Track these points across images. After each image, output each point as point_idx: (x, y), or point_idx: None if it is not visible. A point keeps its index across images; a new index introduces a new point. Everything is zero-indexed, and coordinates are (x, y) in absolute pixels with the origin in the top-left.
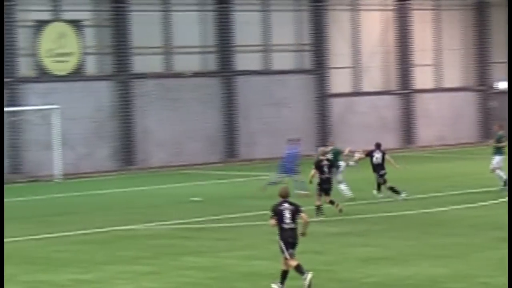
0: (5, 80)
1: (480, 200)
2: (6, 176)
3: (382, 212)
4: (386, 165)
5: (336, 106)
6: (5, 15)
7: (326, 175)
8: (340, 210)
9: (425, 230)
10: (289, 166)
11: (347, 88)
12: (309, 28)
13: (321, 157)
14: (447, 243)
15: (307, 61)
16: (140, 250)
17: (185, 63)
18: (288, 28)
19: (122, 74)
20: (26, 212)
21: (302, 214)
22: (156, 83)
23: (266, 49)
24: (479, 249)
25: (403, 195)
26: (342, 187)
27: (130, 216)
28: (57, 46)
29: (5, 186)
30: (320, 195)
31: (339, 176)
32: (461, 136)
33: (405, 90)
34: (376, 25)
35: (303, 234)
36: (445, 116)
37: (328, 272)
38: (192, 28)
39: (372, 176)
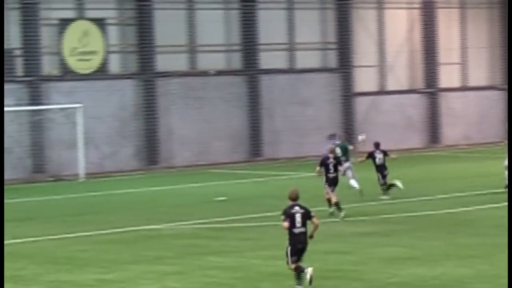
0: (29, 78)
1: (506, 200)
2: (30, 175)
3: (407, 212)
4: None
5: (361, 105)
6: (28, 14)
7: (332, 174)
8: (331, 213)
9: (451, 230)
10: None
11: (372, 87)
12: (334, 26)
13: (329, 155)
14: (472, 243)
15: (332, 60)
16: (164, 250)
17: (210, 61)
18: (313, 26)
19: (146, 73)
20: (49, 211)
21: (314, 219)
22: (180, 81)
23: (291, 47)
24: (505, 249)
25: (398, 183)
26: (352, 182)
27: (154, 216)
28: (81, 44)
29: (29, 185)
30: (333, 190)
31: (349, 173)
32: (487, 135)
33: (430, 89)
34: (401, 23)
35: (311, 237)
36: (471, 115)
37: (354, 272)
38: (216, 26)
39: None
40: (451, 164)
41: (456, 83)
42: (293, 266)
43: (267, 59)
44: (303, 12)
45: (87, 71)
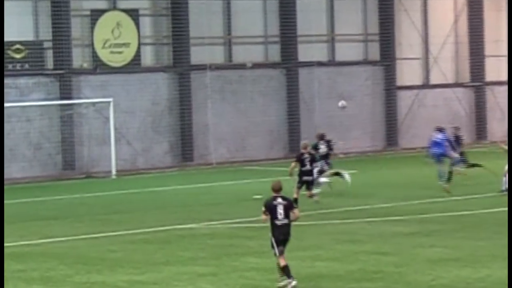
0: (59, 71)
1: None
2: (60, 172)
3: (450, 211)
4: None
5: (405, 99)
6: (59, 4)
7: (308, 168)
8: (317, 202)
9: (496, 230)
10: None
11: (416, 80)
12: (377, 17)
13: (303, 151)
14: None
15: (374, 52)
16: (198, 250)
17: (247, 54)
18: (354, 17)
19: (180, 66)
20: (80, 210)
21: (295, 210)
22: (216, 74)
23: (331, 39)
24: None
25: (346, 175)
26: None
27: (189, 215)
28: (113, 36)
29: (59, 182)
30: (299, 188)
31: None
32: None
33: (477, 82)
34: (447, 14)
35: None
36: None
37: (396, 274)
38: (254, 17)
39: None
40: (497, 161)
41: (503, 76)
42: (283, 262)
43: (306, 51)
44: (344, 2)
45: (119, 64)
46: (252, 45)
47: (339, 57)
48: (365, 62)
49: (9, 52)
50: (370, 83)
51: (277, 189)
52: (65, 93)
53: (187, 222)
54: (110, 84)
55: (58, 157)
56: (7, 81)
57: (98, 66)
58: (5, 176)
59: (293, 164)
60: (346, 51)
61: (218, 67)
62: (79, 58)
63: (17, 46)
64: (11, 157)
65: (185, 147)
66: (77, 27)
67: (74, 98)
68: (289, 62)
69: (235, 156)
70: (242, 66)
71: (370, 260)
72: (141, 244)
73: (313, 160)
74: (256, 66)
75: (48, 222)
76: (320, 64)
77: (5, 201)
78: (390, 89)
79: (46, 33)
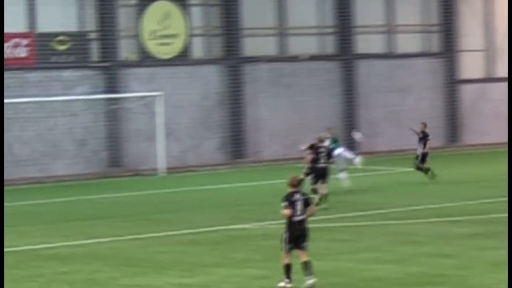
0: (105, 64)
1: None
2: (105, 169)
3: None
4: None
5: (467, 93)
6: None
7: (322, 164)
8: (317, 204)
9: None
10: None
11: (479, 73)
12: (438, 7)
13: (319, 144)
14: None
15: (435, 44)
16: (251, 252)
17: (301, 45)
18: (414, 7)
19: (231, 58)
20: (127, 209)
21: (311, 206)
22: (269, 67)
23: (390, 30)
24: None
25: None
26: (343, 176)
27: (241, 214)
28: (161, 27)
29: (104, 180)
30: (315, 182)
31: (342, 164)
32: None
33: None
34: None
35: None
36: None
37: (457, 277)
38: (308, 7)
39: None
40: None
41: None
42: (286, 261)
43: (364, 43)
44: None
45: (167, 56)
46: (306, 36)
47: (398, 49)
48: (426, 54)
49: (52, 43)
50: (430, 76)
51: (296, 184)
52: (111, 86)
53: (238, 222)
54: (158, 77)
55: (103, 153)
56: (50, 74)
57: (146, 58)
58: (48, 174)
59: (309, 157)
60: (406, 43)
61: (271, 59)
62: (125, 50)
63: (61, 37)
64: (54, 153)
65: (236, 143)
66: (123, 18)
67: (120, 92)
68: (345, 54)
69: (289, 152)
70: (296, 58)
71: (431, 263)
72: (190, 245)
73: (329, 155)
74: (311, 58)
75: (93, 222)
76: (378, 56)
77: (48, 200)
78: (452, 82)
79: (91, 24)
